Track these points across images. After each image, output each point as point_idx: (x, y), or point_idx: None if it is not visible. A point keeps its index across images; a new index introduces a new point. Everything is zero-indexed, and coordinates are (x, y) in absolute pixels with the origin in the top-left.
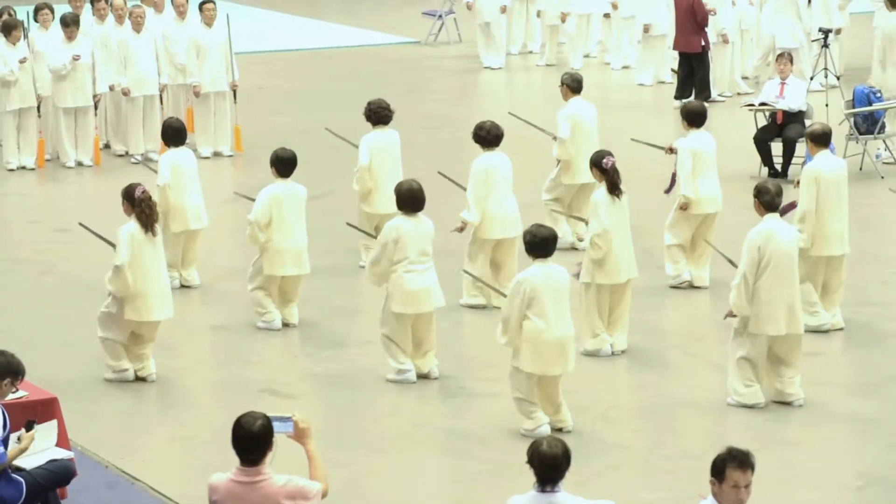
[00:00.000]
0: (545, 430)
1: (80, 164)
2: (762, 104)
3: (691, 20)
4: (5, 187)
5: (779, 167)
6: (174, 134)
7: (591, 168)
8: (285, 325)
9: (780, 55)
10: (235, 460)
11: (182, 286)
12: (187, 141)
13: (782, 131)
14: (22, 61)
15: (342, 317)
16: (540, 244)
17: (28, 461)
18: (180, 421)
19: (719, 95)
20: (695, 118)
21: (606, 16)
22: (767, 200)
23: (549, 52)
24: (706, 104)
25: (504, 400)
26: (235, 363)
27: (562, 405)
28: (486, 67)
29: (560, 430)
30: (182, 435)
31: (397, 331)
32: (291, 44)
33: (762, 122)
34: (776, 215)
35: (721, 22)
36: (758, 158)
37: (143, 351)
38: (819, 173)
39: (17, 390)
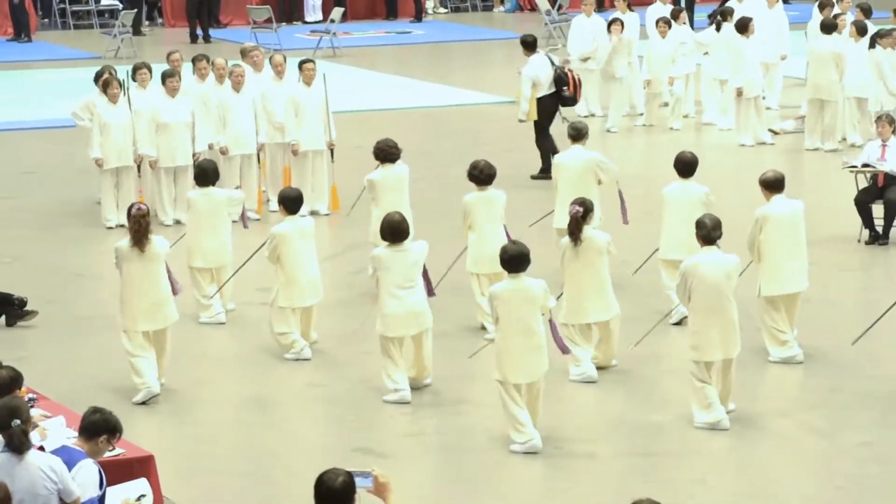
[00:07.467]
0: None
1: (178, 222)
2: (864, 165)
3: None
4: (104, 245)
5: (880, 229)
6: (201, 174)
7: None
8: None
9: (879, 117)
10: None
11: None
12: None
13: (883, 193)
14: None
15: (461, 378)
16: (509, 261)
17: None
18: (270, 481)
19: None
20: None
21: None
22: (703, 234)
23: (647, 113)
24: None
25: (612, 463)
26: (332, 422)
27: None
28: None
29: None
30: (272, 494)
31: (389, 350)
32: (388, 103)
33: (863, 183)
34: (713, 248)
35: None
36: (859, 220)
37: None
38: (768, 215)
39: (114, 448)
